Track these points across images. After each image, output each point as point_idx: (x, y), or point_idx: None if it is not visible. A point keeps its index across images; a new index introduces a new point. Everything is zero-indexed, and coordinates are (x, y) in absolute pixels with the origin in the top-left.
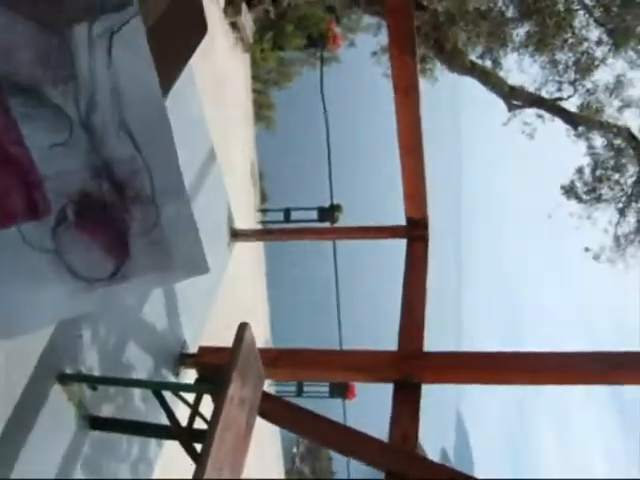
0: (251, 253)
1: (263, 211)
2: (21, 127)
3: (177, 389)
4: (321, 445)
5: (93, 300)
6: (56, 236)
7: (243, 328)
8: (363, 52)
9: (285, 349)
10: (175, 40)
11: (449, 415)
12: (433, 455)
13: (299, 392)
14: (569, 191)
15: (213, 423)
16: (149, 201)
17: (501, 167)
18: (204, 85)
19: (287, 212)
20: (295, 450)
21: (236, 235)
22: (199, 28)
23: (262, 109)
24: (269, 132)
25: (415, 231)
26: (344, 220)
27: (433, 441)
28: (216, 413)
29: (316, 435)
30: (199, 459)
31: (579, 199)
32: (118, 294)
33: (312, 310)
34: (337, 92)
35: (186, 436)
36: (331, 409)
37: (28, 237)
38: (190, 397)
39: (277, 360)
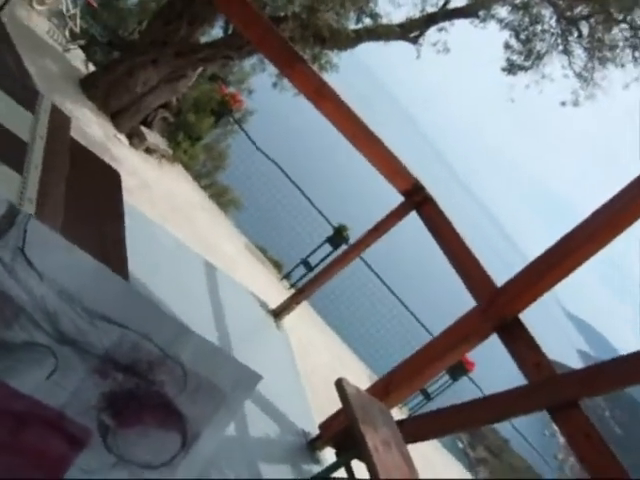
0: (301, 317)
1: (286, 277)
2: (9, 382)
3: (328, 473)
4: (480, 426)
5: (183, 474)
6: (111, 447)
7: (340, 384)
8: (265, 90)
9: (389, 373)
10: (97, 208)
11: (563, 320)
12: (576, 363)
13: (427, 396)
14: (511, 68)
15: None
16: (164, 359)
17: (446, 94)
18: (163, 214)
19: (306, 263)
20: (461, 445)
21: (279, 314)
22: (110, 178)
23: (221, 197)
24: (241, 211)
25: (416, 198)
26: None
27: (567, 349)
28: (372, 470)
29: (470, 421)
30: None
31: (523, 68)
32: (201, 453)
33: (385, 324)
34: (271, 136)
35: None
36: (464, 390)
37: (90, 466)
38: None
39: (387, 387)
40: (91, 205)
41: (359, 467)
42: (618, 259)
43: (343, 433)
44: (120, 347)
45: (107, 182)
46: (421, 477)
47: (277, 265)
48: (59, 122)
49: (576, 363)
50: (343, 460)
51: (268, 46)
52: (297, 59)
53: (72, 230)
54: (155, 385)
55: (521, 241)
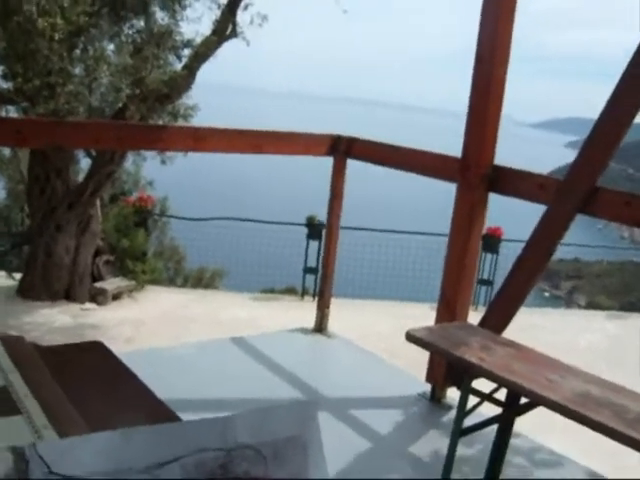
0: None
1: (304, 293)
2: None
3: (463, 409)
4: (544, 270)
5: None
6: None
7: (410, 335)
8: (160, 169)
9: (442, 295)
10: (104, 385)
11: (531, 133)
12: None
13: (487, 282)
14: None
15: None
16: (230, 454)
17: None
18: (170, 333)
19: (307, 270)
20: (547, 294)
21: (320, 328)
22: (96, 352)
23: (202, 280)
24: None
25: (342, 147)
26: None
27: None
28: (492, 375)
29: (534, 274)
30: None
31: None
32: None
33: (403, 261)
34: (191, 199)
35: None
36: (508, 253)
37: None
38: None
39: (450, 306)
40: (97, 385)
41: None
42: None
43: (449, 370)
44: (190, 472)
45: (96, 357)
46: (536, 343)
47: (290, 291)
48: (17, 347)
49: (570, 156)
50: (464, 390)
51: (126, 142)
52: (157, 130)
53: (102, 417)
54: (242, 477)
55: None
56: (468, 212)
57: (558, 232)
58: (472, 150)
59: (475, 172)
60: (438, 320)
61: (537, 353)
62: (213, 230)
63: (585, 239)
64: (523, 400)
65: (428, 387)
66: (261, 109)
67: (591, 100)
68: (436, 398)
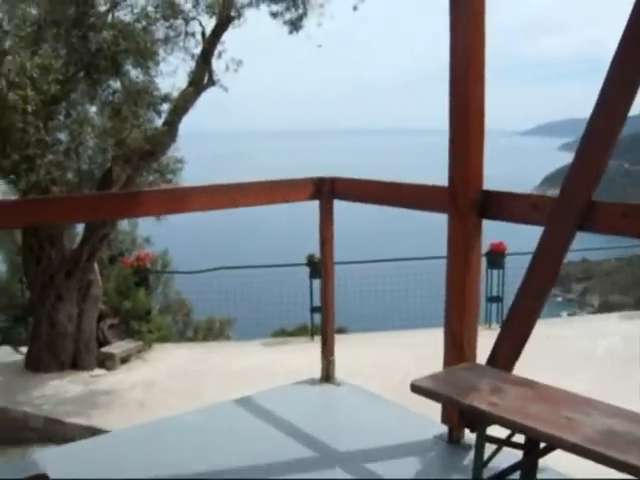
0: (346, 347)
1: (313, 333)
2: None
3: (480, 454)
4: (556, 277)
5: None
6: None
7: (416, 386)
8: (155, 227)
9: (446, 327)
10: None
11: (523, 142)
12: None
13: (497, 299)
14: None
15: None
16: None
17: None
18: (185, 392)
19: (314, 309)
20: (559, 299)
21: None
22: None
23: (212, 330)
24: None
25: (326, 189)
26: None
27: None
28: (505, 422)
29: (545, 285)
30: None
31: None
32: None
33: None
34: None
35: None
36: (514, 266)
37: None
38: None
39: (456, 340)
40: None
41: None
42: None
43: (462, 413)
44: None
45: None
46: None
47: (302, 331)
48: None
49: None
50: (479, 438)
51: (102, 212)
52: (134, 197)
53: None
54: None
55: None
56: (463, 243)
57: (559, 253)
58: (458, 177)
59: (464, 200)
60: (446, 359)
61: (553, 389)
62: (217, 280)
63: (589, 239)
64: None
65: (445, 428)
66: (249, 150)
67: (581, 100)
68: (454, 439)
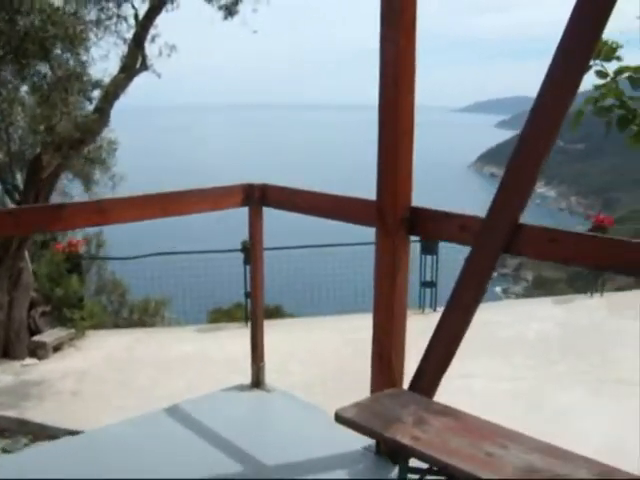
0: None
1: (247, 319)
2: None
3: None
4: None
5: None
6: None
7: (339, 416)
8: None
9: (375, 345)
10: None
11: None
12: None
13: (430, 284)
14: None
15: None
16: None
17: None
18: (117, 379)
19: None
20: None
21: (258, 370)
22: None
23: (147, 312)
24: (172, 303)
25: (256, 194)
26: None
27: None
28: (430, 458)
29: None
30: None
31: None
32: None
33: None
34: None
35: None
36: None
37: None
38: None
39: (382, 356)
40: None
41: None
42: None
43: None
44: None
45: None
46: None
47: (237, 309)
48: None
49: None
50: (401, 470)
51: (24, 227)
52: (57, 210)
53: None
54: None
55: None
56: (391, 259)
57: (485, 273)
58: (387, 194)
59: (392, 217)
60: (373, 383)
61: (475, 419)
62: (152, 264)
63: (526, 215)
64: None
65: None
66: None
67: (519, 78)
68: (382, 450)
